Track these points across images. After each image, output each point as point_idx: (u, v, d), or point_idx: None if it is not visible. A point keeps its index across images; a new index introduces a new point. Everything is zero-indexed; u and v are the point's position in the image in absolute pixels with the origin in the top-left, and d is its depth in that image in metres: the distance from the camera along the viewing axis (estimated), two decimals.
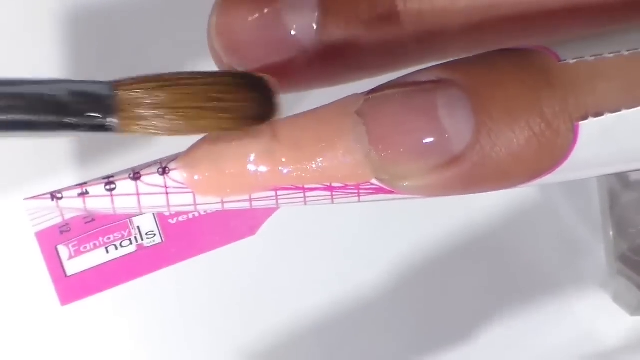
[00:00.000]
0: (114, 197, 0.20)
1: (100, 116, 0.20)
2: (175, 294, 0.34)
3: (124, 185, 0.20)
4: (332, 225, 0.34)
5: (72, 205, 0.21)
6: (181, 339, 0.34)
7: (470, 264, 0.34)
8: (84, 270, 0.22)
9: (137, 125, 0.20)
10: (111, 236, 0.22)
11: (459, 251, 0.35)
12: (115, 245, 0.22)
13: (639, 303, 0.32)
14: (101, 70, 0.32)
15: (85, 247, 0.22)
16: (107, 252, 0.22)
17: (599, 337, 0.33)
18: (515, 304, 0.34)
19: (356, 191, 0.22)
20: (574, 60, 0.21)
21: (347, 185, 0.22)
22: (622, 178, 0.33)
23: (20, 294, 0.32)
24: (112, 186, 0.20)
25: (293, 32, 0.23)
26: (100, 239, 0.22)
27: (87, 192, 0.20)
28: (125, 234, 0.22)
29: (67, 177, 0.31)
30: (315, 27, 0.23)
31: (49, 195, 0.20)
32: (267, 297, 0.34)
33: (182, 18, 0.36)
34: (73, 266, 0.22)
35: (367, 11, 0.23)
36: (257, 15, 0.23)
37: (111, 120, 0.20)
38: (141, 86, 0.20)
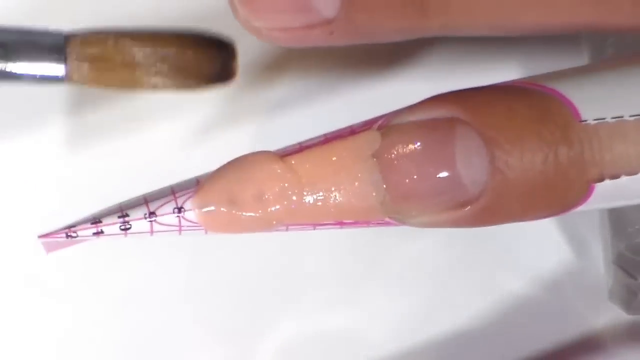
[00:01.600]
0: (128, 234, 0.20)
1: (49, 62, 0.20)
2: (166, 270, 0.33)
3: (139, 225, 0.20)
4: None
5: (85, 240, 0.21)
6: (171, 313, 0.34)
7: (464, 263, 0.35)
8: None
9: (81, 75, 0.20)
10: None
11: (455, 251, 0.35)
12: None
13: (636, 302, 0.32)
14: None
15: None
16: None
17: (596, 336, 0.34)
18: (512, 302, 0.35)
19: (366, 225, 0.22)
20: (595, 122, 0.20)
21: (357, 221, 0.22)
22: None
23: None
24: (127, 226, 0.20)
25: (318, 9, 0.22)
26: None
27: (102, 232, 0.20)
28: None
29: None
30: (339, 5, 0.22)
31: (63, 234, 0.20)
32: (265, 293, 0.34)
33: None
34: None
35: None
36: None
37: (59, 69, 0.20)
38: (94, 38, 0.20)
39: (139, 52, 0.20)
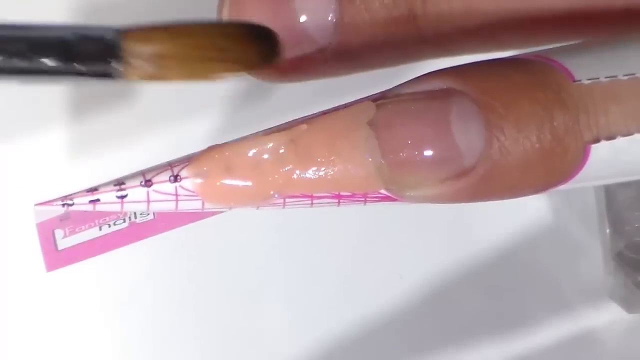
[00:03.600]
0: (124, 203, 0.20)
1: (107, 62, 0.19)
2: (162, 265, 0.34)
3: (135, 193, 0.20)
4: (332, 215, 0.35)
5: (82, 210, 0.20)
6: (168, 307, 0.34)
7: (465, 264, 0.35)
8: (74, 245, 0.22)
9: (142, 72, 0.20)
10: (107, 218, 0.22)
11: (455, 251, 0.35)
12: (108, 224, 0.22)
13: (635, 300, 0.32)
14: None
15: (80, 228, 0.22)
16: (100, 229, 0.22)
17: (596, 335, 0.34)
18: (512, 302, 0.35)
19: (363, 199, 0.22)
20: (589, 82, 0.21)
21: (354, 194, 0.22)
22: None
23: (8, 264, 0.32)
24: (124, 193, 0.20)
25: (308, 30, 0.22)
26: (96, 220, 0.22)
27: (98, 200, 0.20)
28: (121, 215, 0.22)
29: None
30: (331, 24, 0.22)
31: (60, 202, 0.20)
32: (261, 286, 0.34)
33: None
34: (65, 243, 0.22)
35: (384, 13, 0.23)
36: (272, 14, 0.22)
37: (117, 67, 0.19)
38: (149, 34, 0.20)
39: (194, 44, 0.20)
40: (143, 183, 0.20)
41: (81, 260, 0.22)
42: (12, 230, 0.31)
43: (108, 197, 0.20)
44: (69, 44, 0.19)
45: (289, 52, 0.22)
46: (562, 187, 0.22)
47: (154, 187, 0.20)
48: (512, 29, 0.24)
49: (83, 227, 0.22)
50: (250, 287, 0.33)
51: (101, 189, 0.20)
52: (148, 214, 0.22)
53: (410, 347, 0.34)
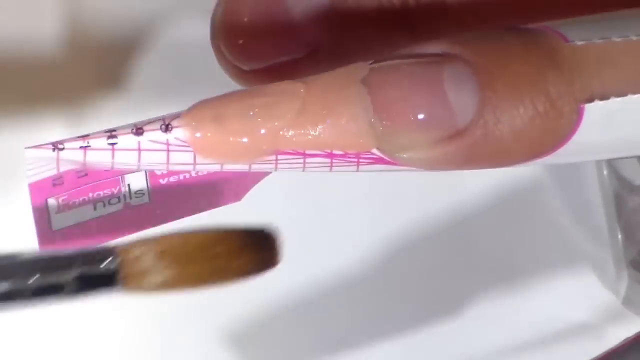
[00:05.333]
0: (115, 152, 0.20)
1: (104, 290, 0.20)
2: None
3: (126, 140, 0.20)
4: (324, 198, 0.35)
5: (72, 158, 0.21)
6: (163, 302, 0.34)
7: (477, 283, 0.35)
8: (69, 226, 0.22)
9: (140, 290, 0.20)
10: (101, 192, 0.22)
11: (465, 265, 0.35)
12: (103, 202, 0.22)
13: None
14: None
15: (74, 202, 0.22)
16: (95, 208, 0.22)
17: (610, 342, 0.33)
18: (526, 312, 0.35)
19: (355, 160, 0.22)
20: (582, 43, 0.21)
21: (347, 154, 0.22)
22: (627, 183, 0.33)
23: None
24: (114, 140, 0.20)
25: (301, 24, 0.23)
26: (90, 194, 0.22)
27: (88, 145, 0.20)
28: (116, 191, 0.22)
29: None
30: (323, 16, 0.23)
31: (50, 145, 0.20)
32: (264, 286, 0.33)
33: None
34: (59, 220, 0.22)
35: (376, 4, 0.23)
36: (264, 11, 0.23)
37: (114, 290, 0.20)
38: (146, 257, 0.20)
39: (187, 258, 0.21)
40: (134, 131, 0.20)
41: (77, 242, 0.22)
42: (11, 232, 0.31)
43: (99, 143, 0.20)
44: (65, 288, 0.20)
45: (279, 55, 0.23)
46: (556, 155, 0.22)
47: (145, 135, 0.20)
48: (507, 15, 0.24)
49: (77, 200, 0.22)
50: (253, 289, 0.33)
51: (92, 136, 0.20)
52: (143, 194, 0.22)
53: (397, 322, 0.34)
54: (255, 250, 0.21)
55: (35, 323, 0.33)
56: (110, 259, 0.20)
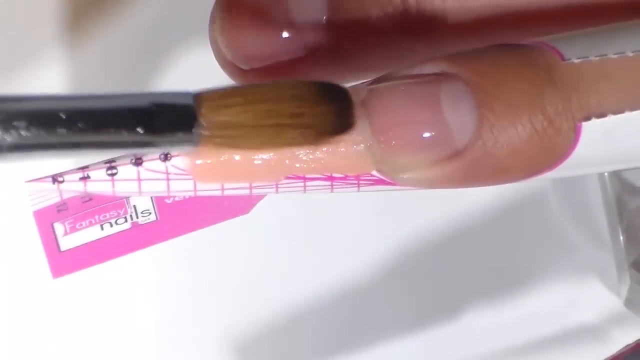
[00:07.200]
0: (115, 182, 0.20)
1: (182, 133, 0.19)
2: (167, 271, 0.34)
3: (126, 171, 0.20)
4: (327, 208, 0.35)
5: (73, 188, 0.21)
6: (173, 313, 0.34)
7: (478, 286, 0.35)
8: (78, 246, 0.22)
9: (218, 142, 0.19)
10: (107, 214, 0.22)
11: (466, 268, 0.35)
12: (110, 223, 0.22)
13: None
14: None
15: (81, 225, 0.22)
16: (102, 229, 0.22)
17: (613, 344, 0.33)
18: (528, 314, 0.35)
19: (356, 182, 0.22)
20: (579, 60, 0.21)
21: (347, 176, 0.22)
22: (627, 185, 0.34)
23: (14, 269, 0.32)
24: (114, 171, 0.20)
25: (300, 26, 0.23)
26: (97, 216, 0.22)
27: (88, 177, 0.20)
28: (122, 212, 0.22)
29: None
30: (323, 20, 0.23)
31: (50, 179, 0.20)
32: (259, 278, 0.34)
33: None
34: (67, 242, 0.22)
35: (377, 10, 0.23)
36: (264, 10, 0.23)
37: (192, 138, 0.19)
38: (224, 102, 0.19)
39: (269, 112, 0.20)
40: (133, 161, 0.20)
41: (87, 266, 0.22)
42: (15, 237, 0.31)
43: (98, 175, 0.20)
44: (148, 114, 0.18)
45: (278, 56, 0.22)
46: (556, 171, 0.22)
47: (144, 165, 0.20)
48: (507, 26, 0.24)
49: (83, 223, 0.22)
50: (255, 291, 0.33)
51: (91, 167, 0.20)
52: (150, 213, 0.22)
53: (400, 328, 0.34)
54: (330, 103, 0.21)
55: (35, 323, 0.33)
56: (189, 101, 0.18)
